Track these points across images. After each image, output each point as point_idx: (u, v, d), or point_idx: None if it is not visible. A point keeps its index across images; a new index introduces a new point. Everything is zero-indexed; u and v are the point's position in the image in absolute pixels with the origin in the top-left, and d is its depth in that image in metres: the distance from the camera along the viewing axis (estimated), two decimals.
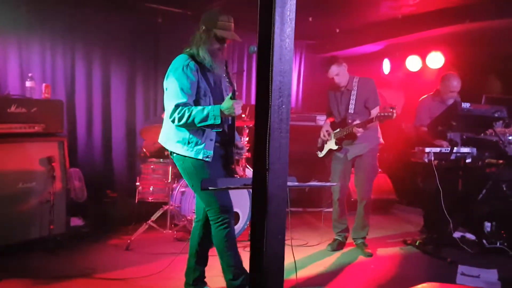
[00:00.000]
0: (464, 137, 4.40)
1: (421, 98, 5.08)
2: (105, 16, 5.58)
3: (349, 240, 4.69)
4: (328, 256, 4.39)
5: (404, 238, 4.97)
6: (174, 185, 4.84)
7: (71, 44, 5.48)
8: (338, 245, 4.58)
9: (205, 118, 2.85)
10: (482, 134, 4.76)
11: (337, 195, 4.59)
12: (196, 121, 2.85)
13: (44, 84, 4.53)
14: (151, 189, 4.81)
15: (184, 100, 2.90)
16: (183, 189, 4.80)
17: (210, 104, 3.00)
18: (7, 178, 3.93)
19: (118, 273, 3.71)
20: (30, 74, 4.53)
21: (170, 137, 3.06)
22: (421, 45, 6.23)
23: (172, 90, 2.93)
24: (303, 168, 5.70)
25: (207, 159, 3.00)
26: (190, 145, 2.99)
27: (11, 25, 4.95)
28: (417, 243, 4.73)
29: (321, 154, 4.73)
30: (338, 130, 4.48)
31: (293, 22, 1.77)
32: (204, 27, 3.02)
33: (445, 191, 4.37)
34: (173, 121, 2.92)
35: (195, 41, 3.03)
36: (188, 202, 4.67)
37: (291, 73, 1.82)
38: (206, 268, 3.29)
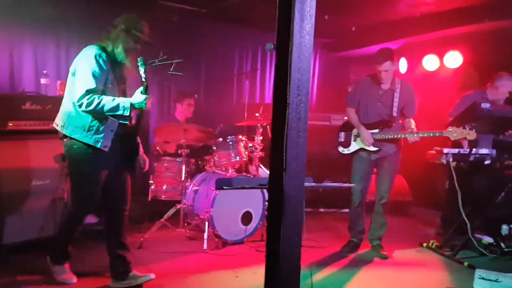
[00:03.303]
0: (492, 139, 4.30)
1: (466, 93, 4.96)
2: (120, 14, 5.56)
3: (365, 242, 4.62)
4: (343, 257, 4.33)
5: (420, 240, 4.89)
6: (187, 184, 4.82)
7: (86, 41, 5.44)
8: (353, 247, 4.51)
9: (115, 109, 3.00)
10: (502, 135, 4.66)
11: (358, 196, 4.47)
12: (105, 109, 2.99)
13: (58, 81, 4.53)
14: (164, 187, 4.80)
15: (94, 86, 2.99)
16: (196, 188, 4.78)
17: (115, 96, 3.12)
18: (21, 175, 3.93)
19: None
20: (44, 71, 4.54)
21: (70, 121, 3.11)
22: (439, 44, 6.13)
23: (84, 75, 3.01)
24: (316, 168, 5.66)
25: (104, 149, 3.11)
26: (89, 132, 3.07)
27: (26, 22, 4.97)
28: (433, 246, 4.65)
29: (346, 151, 4.50)
30: (376, 130, 4.30)
31: (313, 19, 1.72)
32: (123, 27, 3.19)
33: (463, 193, 4.29)
34: (80, 106, 2.98)
35: (112, 38, 3.17)
36: (201, 200, 4.65)
37: (310, 71, 1.78)
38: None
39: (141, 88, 3.07)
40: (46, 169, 4.10)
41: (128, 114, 3.03)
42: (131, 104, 3.04)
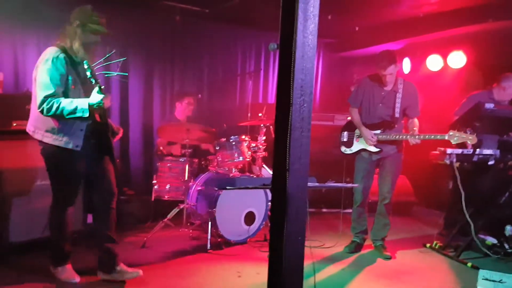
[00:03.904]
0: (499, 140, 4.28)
1: (473, 93, 4.95)
2: (122, 14, 5.57)
3: (368, 242, 4.62)
4: (346, 258, 4.33)
5: (423, 240, 4.88)
6: (191, 184, 4.82)
7: None
8: (356, 247, 4.51)
9: (74, 111, 3.03)
10: (506, 136, 4.64)
11: (360, 196, 4.48)
12: (65, 113, 3.02)
13: None
14: (167, 187, 4.81)
15: (52, 91, 3.02)
16: (199, 188, 4.78)
17: (80, 96, 3.16)
18: (25, 175, 3.95)
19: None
20: None
21: (39, 126, 3.18)
22: (442, 44, 6.12)
23: (42, 81, 3.04)
24: (319, 168, 5.64)
25: (76, 148, 3.17)
26: (59, 135, 3.15)
27: (30, 22, 4.99)
28: (437, 246, 4.64)
29: (349, 151, 4.52)
30: (378, 131, 4.31)
31: (317, 19, 1.72)
32: (78, 22, 3.17)
33: (466, 193, 4.28)
34: (41, 112, 3.03)
35: (69, 35, 3.18)
36: (204, 200, 4.64)
37: (314, 71, 1.78)
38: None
39: (97, 89, 3.06)
40: None
41: (87, 115, 3.05)
42: (89, 105, 3.06)
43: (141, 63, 5.92)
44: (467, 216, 4.31)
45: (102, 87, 3.06)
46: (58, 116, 3.06)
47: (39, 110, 3.04)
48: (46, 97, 3.01)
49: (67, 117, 3.05)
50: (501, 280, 3.65)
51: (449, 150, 4.33)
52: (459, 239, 4.58)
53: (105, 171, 3.42)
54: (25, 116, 3.94)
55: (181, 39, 6.15)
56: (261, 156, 4.95)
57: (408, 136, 4.16)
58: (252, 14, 5.90)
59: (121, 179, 5.71)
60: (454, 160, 4.32)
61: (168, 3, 5.60)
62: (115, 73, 3.24)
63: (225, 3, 5.53)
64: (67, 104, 3.03)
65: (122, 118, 5.84)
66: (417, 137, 4.12)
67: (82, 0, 5.21)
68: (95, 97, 3.06)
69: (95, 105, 3.06)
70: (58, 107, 3.01)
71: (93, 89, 3.20)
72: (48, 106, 3.01)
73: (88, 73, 3.07)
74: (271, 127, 5.12)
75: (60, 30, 4.89)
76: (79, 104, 3.04)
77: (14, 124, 3.94)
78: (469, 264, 4.16)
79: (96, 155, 3.35)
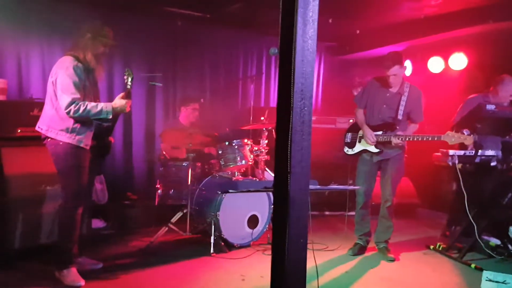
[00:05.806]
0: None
1: (470, 97, 4.96)
2: (124, 20, 5.61)
3: (371, 244, 4.62)
4: (350, 260, 4.34)
5: (427, 242, 4.88)
6: (194, 188, 4.84)
7: None
8: (359, 249, 4.51)
9: (98, 113, 3.41)
10: (508, 137, 4.64)
11: (362, 198, 4.49)
12: (90, 115, 3.39)
13: None
14: (170, 192, 4.82)
15: (78, 95, 3.37)
16: (203, 192, 4.79)
17: (91, 100, 3.53)
18: (32, 180, 3.97)
19: (138, 275, 3.73)
20: None
21: (53, 125, 3.44)
22: (444, 46, 6.13)
23: (67, 86, 3.35)
24: (322, 171, 5.66)
25: (86, 147, 3.50)
26: (72, 133, 3.43)
27: (34, 29, 5.04)
28: (440, 248, 4.64)
29: (351, 152, 4.55)
30: (380, 132, 4.32)
31: (316, 24, 1.74)
32: (90, 35, 3.51)
33: (469, 194, 4.28)
34: (68, 113, 3.34)
35: (82, 46, 3.50)
36: (208, 204, 4.65)
37: (313, 75, 1.80)
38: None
39: (122, 94, 3.53)
40: (54, 174, 4.12)
41: (110, 117, 3.46)
42: (113, 108, 3.46)
43: (143, 68, 5.94)
44: (471, 217, 4.31)
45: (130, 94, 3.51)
46: (82, 117, 3.37)
47: (66, 111, 3.32)
48: (73, 100, 3.32)
49: (92, 118, 3.43)
50: (505, 281, 3.65)
51: (451, 152, 4.33)
52: (462, 240, 4.57)
53: (93, 173, 3.76)
54: (30, 122, 3.98)
55: (183, 44, 6.18)
56: (263, 159, 4.97)
57: (407, 137, 4.18)
58: (253, 19, 5.94)
59: (124, 183, 5.77)
60: (456, 161, 4.32)
61: (170, 9, 5.64)
62: (155, 83, 3.79)
63: (227, 8, 5.56)
64: (93, 106, 3.39)
65: (125, 123, 5.87)
66: (415, 138, 4.13)
67: (85, 9, 5.29)
68: (119, 101, 3.48)
69: (119, 109, 3.50)
70: (84, 109, 3.35)
71: (94, 94, 3.55)
72: (75, 108, 3.32)
73: (129, 80, 3.55)
74: (273, 130, 5.14)
75: (62, 37, 5.06)
76: (104, 107, 3.42)
77: (19, 131, 3.97)
78: (473, 265, 4.16)
79: (95, 155, 3.65)
